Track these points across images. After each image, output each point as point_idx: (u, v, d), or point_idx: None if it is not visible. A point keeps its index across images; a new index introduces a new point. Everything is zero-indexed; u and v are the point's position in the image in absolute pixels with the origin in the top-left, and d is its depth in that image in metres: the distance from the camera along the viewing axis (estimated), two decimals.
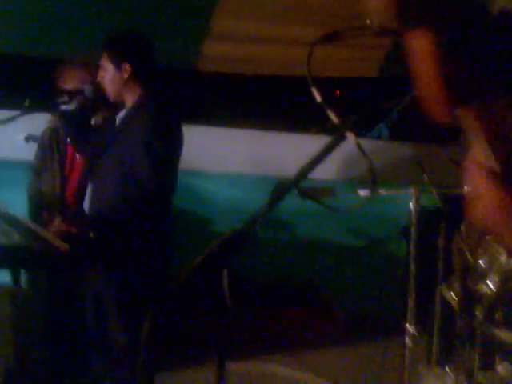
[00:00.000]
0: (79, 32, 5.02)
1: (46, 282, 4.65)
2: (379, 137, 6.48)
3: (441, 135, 6.24)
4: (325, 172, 1.71)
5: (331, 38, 1.56)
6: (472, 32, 1.34)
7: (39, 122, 4.68)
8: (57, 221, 3.33)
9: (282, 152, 5.69)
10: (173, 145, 3.48)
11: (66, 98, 4.22)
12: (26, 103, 3.73)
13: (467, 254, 3.00)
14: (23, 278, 4.60)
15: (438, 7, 1.34)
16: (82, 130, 3.78)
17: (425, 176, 4.22)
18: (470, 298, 3.10)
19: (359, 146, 1.48)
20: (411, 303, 4.09)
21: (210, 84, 7.65)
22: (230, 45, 5.19)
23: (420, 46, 1.37)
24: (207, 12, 4.77)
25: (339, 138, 1.51)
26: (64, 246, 3.15)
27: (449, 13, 1.34)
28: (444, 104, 1.37)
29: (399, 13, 1.34)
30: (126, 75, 3.51)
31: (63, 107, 3.77)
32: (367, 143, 5.91)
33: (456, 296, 3.28)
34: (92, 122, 4.53)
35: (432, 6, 1.33)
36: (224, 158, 5.68)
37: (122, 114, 3.61)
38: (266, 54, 5.31)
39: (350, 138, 1.49)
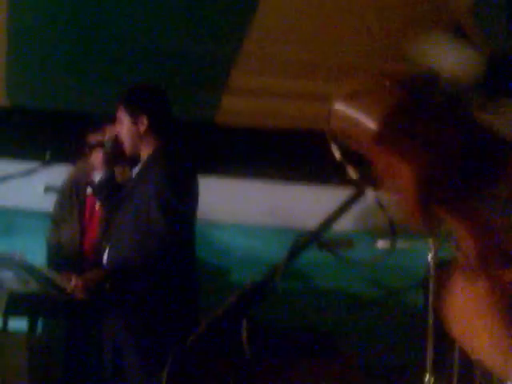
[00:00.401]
0: (99, 85, 5.10)
1: (62, 329, 4.65)
2: None
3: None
4: (343, 223, 1.72)
5: (352, 96, 1.57)
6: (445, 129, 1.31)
7: (59, 173, 4.74)
8: (74, 277, 3.32)
9: (299, 203, 5.70)
10: (188, 197, 3.47)
11: (87, 150, 4.30)
12: (47, 155, 3.78)
13: None
14: (40, 325, 4.61)
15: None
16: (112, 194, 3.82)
17: (443, 228, 4.21)
18: None
19: (378, 201, 1.49)
20: (430, 354, 4.05)
21: (228, 137, 7.71)
22: (249, 98, 5.24)
23: (396, 176, 1.33)
24: (225, 66, 4.83)
25: (358, 194, 1.52)
26: (81, 295, 3.16)
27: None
28: (416, 205, 1.33)
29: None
30: (142, 128, 3.52)
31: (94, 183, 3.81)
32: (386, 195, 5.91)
33: None
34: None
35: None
36: (242, 209, 5.70)
37: (138, 167, 3.62)
38: (284, 108, 5.36)
39: (369, 192, 1.50)
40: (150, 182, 3.45)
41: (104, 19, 4.37)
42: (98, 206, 4.62)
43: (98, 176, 3.80)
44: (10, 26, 4.32)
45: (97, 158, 4.52)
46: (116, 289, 3.41)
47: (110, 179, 3.80)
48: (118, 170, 4.63)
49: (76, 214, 4.63)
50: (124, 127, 3.56)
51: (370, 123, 1.27)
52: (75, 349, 4.51)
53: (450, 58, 1.35)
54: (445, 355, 4.25)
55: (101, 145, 4.04)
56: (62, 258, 4.58)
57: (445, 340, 4.15)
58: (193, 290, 3.52)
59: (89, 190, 4.66)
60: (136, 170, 3.64)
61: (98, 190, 3.83)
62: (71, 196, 4.67)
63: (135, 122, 3.53)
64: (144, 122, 3.52)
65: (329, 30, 4.36)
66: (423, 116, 1.25)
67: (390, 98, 1.28)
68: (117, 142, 3.71)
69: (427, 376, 4.00)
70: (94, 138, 4.52)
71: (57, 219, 4.72)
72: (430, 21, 3.67)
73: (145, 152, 3.58)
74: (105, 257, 3.60)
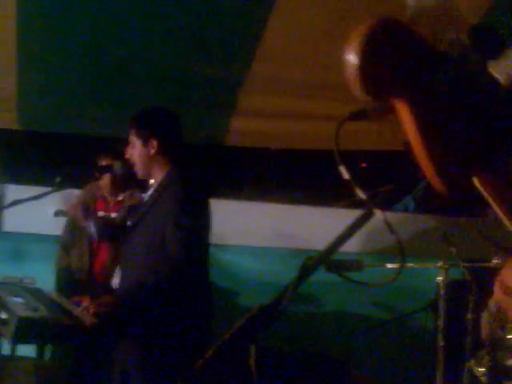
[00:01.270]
0: (109, 110, 5.13)
1: (70, 355, 4.64)
2: (406, 209, 6.47)
3: (468, 208, 6.23)
4: (351, 244, 1.72)
5: (358, 116, 1.58)
6: (462, 95, 1.36)
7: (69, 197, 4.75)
8: (85, 302, 3.32)
9: (308, 225, 5.69)
10: (201, 220, 3.47)
11: (97, 174, 4.32)
12: (57, 180, 3.79)
13: (496, 328, 2.96)
14: (48, 350, 4.60)
15: (407, 79, 1.37)
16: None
17: (452, 249, 4.20)
18: (499, 372, 3.05)
19: (387, 222, 1.49)
20: (440, 377, 4.02)
21: (236, 159, 7.72)
22: (257, 120, 5.25)
23: (400, 119, 1.41)
24: (234, 88, 4.85)
25: (367, 215, 1.52)
26: (91, 321, 3.15)
27: (424, 81, 1.37)
28: (437, 175, 1.37)
29: (367, 87, 1.39)
30: (153, 151, 3.52)
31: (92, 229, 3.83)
32: (394, 216, 5.90)
33: (485, 370, 3.22)
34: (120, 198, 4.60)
35: (400, 79, 1.37)
36: (251, 231, 5.70)
37: (150, 191, 3.62)
38: (292, 129, 5.36)
39: (378, 214, 1.50)
40: (163, 205, 3.44)
41: (114, 44, 4.40)
42: None
43: (92, 227, 3.81)
44: (20, 50, 4.36)
45: (105, 181, 4.56)
46: (127, 314, 3.39)
47: (100, 227, 3.82)
48: (126, 194, 4.66)
49: (85, 237, 4.63)
50: (135, 150, 3.56)
51: (352, 56, 1.40)
52: (83, 374, 4.50)
53: None
54: (455, 377, 4.22)
55: (110, 169, 4.06)
56: (72, 282, 4.58)
57: (455, 362, 4.12)
58: (205, 314, 3.50)
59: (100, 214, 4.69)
60: (149, 193, 3.64)
61: (99, 238, 3.85)
62: None
63: (146, 145, 3.54)
64: (154, 145, 3.52)
65: (336, 51, 4.37)
66: (399, 47, 1.34)
67: (364, 28, 1.40)
68: (127, 165, 3.71)
69: None
70: (103, 162, 4.55)
71: (66, 244, 4.73)
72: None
73: (156, 175, 3.58)
74: (116, 281, 3.59)
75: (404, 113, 1.39)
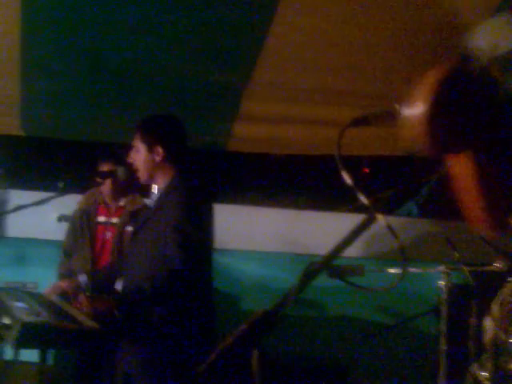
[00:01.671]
0: (112, 116, 5.14)
1: (73, 359, 4.64)
2: (409, 214, 6.48)
3: None
4: (353, 249, 1.72)
5: (361, 122, 1.59)
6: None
7: (72, 203, 4.77)
8: (82, 298, 3.32)
9: (311, 230, 5.70)
10: (204, 225, 3.47)
11: (99, 179, 4.33)
12: (60, 185, 3.80)
13: (499, 332, 2.95)
14: (51, 354, 4.61)
15: (476, 131, 1.28)
16: None
17: (455, 253, 4.21)
18: (502, 377, 3.04)
19: (390, 227, 1.49)
20: (443, 382, 4.02)
21: (240, 164, 7.74)
22: (260, 126, 5.26)
23: (458, 171, 1.33)
24: (237, 94, 4.86)
25: (369, 220, 1.52)
26: (94, 325, 3.15)
27: (487, 132, 1.28)
28: (493, 222, 1.34)
29: (432, 142, 1.30)
30: (158, 158, 3.53)
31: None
32: (397, 221, 5.91)
33: (488, 375, 3.22)
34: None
35: (469, 132, 1.28)
36: (254, 236, 5.70)
37: (154, 197, 3.63)
38: (295, 135, 5.37)
39: (380, 219, 1.50)
40: (166, 211, 3.44)
41: (118, 51, 4.41)
42: (109, 235, 4.63)
43: (82, 278, 3.81)
44: (24, 56, 4.37)
45: (107, 187, 4.56)
46: (127, 317, 3.40)
47: (95, 278, 3.83)
48: (128, 199, 4.66)
49: (87, 243, 4.64)
50: (140, 156, 3.56)
51: (419, 106, 1.28)
52: (86, 379, 4.50)
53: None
54: (458, 382, 4.21)
55: (113, 174, 4.07)
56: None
57: (458, 366, 4.12)
58: (207, 319, 3.51)
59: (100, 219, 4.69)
60: (152, 199, 3.64)
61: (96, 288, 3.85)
62: (82, 226, 4.68)
63: (151, 152, 3.54)
64: (160, 152, 3.53)
65: (339, 57, 4.38)
66: (469, 98, 1.25)
67: (433, 79, 1.28)
68: (130, 170, 3.72)
69: None
70: (104, 168, 4.56)
71: (68, 249, 4.73)
72: (439, 46, 3.69)
73: (160, 181, 3.58)
74: (119, 286, 3.60)
75: (464, 165, 1.31)
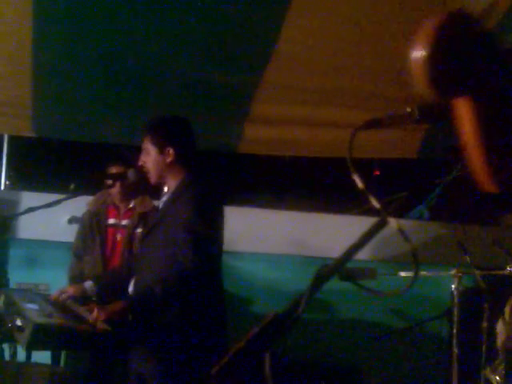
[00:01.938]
0: (122, 117, 5.15)
1: (85, 361, 4.64)
2: (420, 217, 6.46)
3: (482, 216, 6.21)
4: (365, 252, 1.72)
5: (372, 125, 1.58)
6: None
7: (83, 205, 4.78)
8: (96, 309, 3.31)
9: (321, 233, 5.69)
10: (215, 226, 3.47)
11: (109, 182, 4.33)
12: (71, 187, 3.81)
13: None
14: (63, 356, 4.61)
15: (475, 74, 1.36)
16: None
17: (467, 257, 4.19)
18: None
19: (401, 230, 1.49)
20: None
21: (250, 166, 7.73)
22: (271, 127, 5.26)
23: (460, 116, 1.39)
24: (247, 95, 4.86)
25: (381, 224, 1.52)
26: (106, 327, 3.15)
27: (485, 78, 1.36)
28: (490, 173, 1.37)
29: (432, 85, 1.37)
30: (169, 159, 3.53)
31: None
32: (408, 224, 5.89)
33: (501, 379, 3.20)
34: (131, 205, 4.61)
35: (468, 74, 1.36)
36: (265, 239, 5.70)
37: (164, 198, 3.63)
38: (305, 137, 5.37)
39: (392, 222, 1.50)
40: (177, 212, 3.44)
41: (128, 53, 4.42)
42: (119, 236, 4.64)
43: (88, 285, 3.81)
44: (36, 58, 4.39)
45: (116, 189, 4.56)
46: (138, 319, 3.40)
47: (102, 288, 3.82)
48: (137, 201, 4.66)
49: (98, 245, 4.63)
50: (150, 158, 3.56)
51: (420, 50, 1.36)
52: (98, 381, 4.50)
53: None
54: None
55: (124, 176, 4.07)
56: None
57: (470, 370, 4.10)
58: (219, 321, 3.50)
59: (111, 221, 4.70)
60: (163, 201, 3.64)
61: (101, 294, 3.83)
62: (92, 228, 4.68)
63: (162, 153, 3.54)
64: (171, 153, 3.53)
65: (349, 59, 4.38)
66: (468, 41, 1.32)
67: (434, 22, 1.37)
68: (140, 172, 3.72)
69: None
70: (113, 170, 4.56)
71: (78, 251, 4.73)
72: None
73: (170, 183, 3.58)
74: (130, 288, 3.59)
75: (465, 110, 1.38)
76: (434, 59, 1.36)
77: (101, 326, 3.16)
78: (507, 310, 3.14)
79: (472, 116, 1.38)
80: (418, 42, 1.38)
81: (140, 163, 3.62)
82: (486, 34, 1.40)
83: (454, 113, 1.43)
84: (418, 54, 1.37)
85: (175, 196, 3.52)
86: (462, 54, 1.35)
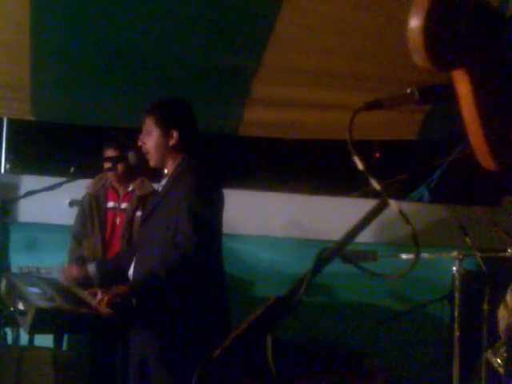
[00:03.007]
0: (122, 100, 5.13)
1: (88, 344, 4.66)
2: (420, 199, 6.46)
3: (482, 197, 6.20)
4: (366, 235, 1.71)
5: (373, 106, 1.58)
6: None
7: (83, 188, 4.78)
8: (99, 292, 3.31)
9: (323, 215, 5.69)
10: (215, 207, 3.46)
11: (110, 165, 4.32)
12: (71, 170, 3.81)
13: None
14: (65, 340, 4.63)
15: (472, 44, 1.35)
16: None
17: (467, 239, 4.19)
18: None
19: (402, 213, 1.48)
20: (456, 369, 4.01)
21: (251, 149, 7.73)
22: (271, 110, 5.25)
23: (459, 90, 1.38)
24: (247, 78, 4.85)
25: (381, 206, 1.51)
26: (107, 311, 3.16)
27: (483, 52, 1.35)
28: (490, 149, 1.36)
29: (429, 54, 1.36)
30: (172, 142, 3.50)
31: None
32: (409, 206, 5.89)
33: (502, 362, 3.21)
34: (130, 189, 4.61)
35: (465, 44, 1.35)
36: (266, 221, 5.70)
37: (164, 181, 3.62)
38: (306, 119, 5.36)
39: (393, 205, 1.49)
40: (177, 193, 3.42)
41: (128, 34, 4.40)
42: (118, 220, 4.64)
43: (91, 268, 3.80)
44: (34, 40, 4.37)
45: (117, 171, 4.55)
46: (142, 303, 3.40)
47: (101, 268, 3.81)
48: (136, 184, 4.66)
49: (97, 228, 4.64)
50: (152, 139, 3.53)
51: (416, 20, 1.35)
52: (101, 364, 4.52)
53: None
54: (471, 368, 4.21)
55: (125, 159, 4.05)
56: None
57: (471, 353, 4.11)
58: (221, 302, 3.51)
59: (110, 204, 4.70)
60: (162, 183, 3.63)
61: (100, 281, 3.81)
62: (91, 211, 4.68)
63: (165, 135, 3.52)
64: (175, 136, 3.51)
65: (349, 40, 4.36)
66: (465, 10, 1.31)
67: None
68: (140, 154, 3.69)
69: None
70: (110, 153, 4.55)
71: (77, 235, 4.73)
72: None
73: (170, 166, 3.56)
74: (131, 270, 3.59)
75: (463, 82, 1.36)
76: (430, 28, 1.35)
77: (104, 309, 3.16)
78: (509, 295, 3.13)
79: (471, 89, 1.37)
80: (414, 11, 1.37)
81: (139, 143, 3.59)
82: (485, 3, 1.38)
83: (453, 86, 1.42)
84: (415, 22, 1.36)
85: (175, 179, 3.50)
86: (460, 24, 1.34)
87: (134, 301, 3.40)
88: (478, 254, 4.10)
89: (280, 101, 5.14)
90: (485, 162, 1.41)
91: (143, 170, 4.25)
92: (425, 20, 1.34)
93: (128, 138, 4.31)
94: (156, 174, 3.97)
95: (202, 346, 3.24)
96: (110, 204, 4.70)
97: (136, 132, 3.66)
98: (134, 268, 3.56)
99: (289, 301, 1.53)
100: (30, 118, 5.45)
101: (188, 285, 3.34)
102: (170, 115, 3.54)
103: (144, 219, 3.66)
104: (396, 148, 7.35)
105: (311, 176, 7.48)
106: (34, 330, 3.12)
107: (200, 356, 3.19)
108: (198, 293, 3.37)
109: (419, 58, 1.39)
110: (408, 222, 1.50)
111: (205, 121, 4.55)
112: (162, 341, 3.34)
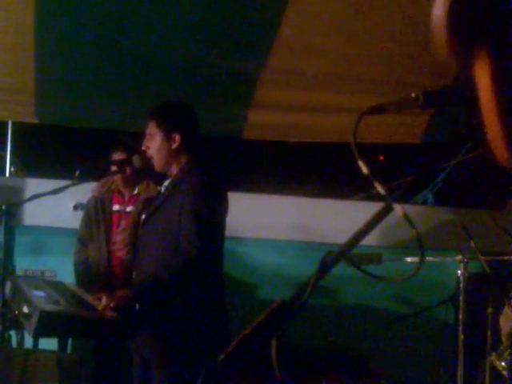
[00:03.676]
0: (126, 103, 5.14)
1: (93, 348, 4.66)
2: (425, 202, 6.46)
3: (486, 200, 6.20)
4: (370, 238, 1.72)
5: (377, 110, 1.57)
6: None
7: (88, 191, 4.78)
8: (104, 296, 3.31)
9: (327, 219, 5.69)
10: (218, 211, 3.46)
11: (114, 168, 4.33)
12: (77, 173, 3.81)
13: None
14: (70, 343, 4.63)
15: (495, 28, 1.33)
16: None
17: (472, 242, 4.18)
18: None
19: (406, 216, 1.48)
20: (460, 372, 4.01)
21: (255, 152, 7.73)
22: (275, 113, 5.26)
23: (480, 83, 1.36)
24: (251, 81, 4.85)
25: (386, 210, 1.51)
26: (112, 314, 3.16)
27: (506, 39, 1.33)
28: (508, 144, 1.34)
29: (453, 37, 1.35)
30: (174, 145, 3.51)
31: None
32: (413, 209, 5.89)
33: (506, 365, 3.21)
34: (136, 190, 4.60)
35: (488, 28, 1.33)
36: (269, 224, 5.70)
37: (167, 182, 3.62)
38: (309, 122, 5.36)
39: (397, 209, 1.49)
40: (179, 196, 3.42)
41: (131, 38, 4.41)
42: (124, 224, 4.64)
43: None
44: (38, 44, 4.38)
45: (125, 173, 4.55)
46: (145, 307, 3.40)
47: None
48: (141, 187, 4.66)
49: (102, 231, 4.64)
50: (155, 143, 3.53)
51: (438, 10, 1.32)
52: (105, 367, 4.52)
53: None
54: (476, 371, 4.20)
55: (129, 163, 4.05)
56: (91, 276, 4.60)
57: (476, 356, 4.10)
58: (222, 306, 3.51)
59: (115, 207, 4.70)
60: (165, 185, 3.63)
61: None
62: (97, 214, 4.69)
63: (168, 139, 3.52)
64: (177, 139, 3.51)
65: (353, 44, 4.37)
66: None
67: None
68: (145, 158, 3.69)
69: None
70: (119, 156, 4.56)
71: (83, 237, 4.74)
72: None
73: (174, 168, 3.56)
74: (134, 273, 3.60)
75: (482, 67, 1.35)
76: (452, 13, 1.33)
77: (109, 313, 3.17)
78: None
79: (491, 76, 1.35)
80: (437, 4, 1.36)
81: (143, 148, 3.59)
82: None
83: (472, 74, 1.40)
84: (437, 7, 1.35)
85: (177, 181, 3.50)
86: (481, 7, 1.33)
87: (136, 305, 3.41)
88: (483, 257, 4.10)
89: (284, 104, 5.14)
90: (502, 157, 1.39)
91: (148, 173, 4.25)
92: (448, 3, 1.33)
93: (136, 141, 4.32)
94: (161, 177, 3.98)
95: (203, 348, 3.25)
96: (116, 207, 4.70)
97: (143, 136, 3.66)
98: (135, 270, 3.57)
99: (293, 304, 1.53)
100: (34, 121, 5.45)
101: (189, 289, 3.35)
102: (172, 118, 3.54)
103: (145, 221, 3.65)
104: (400, 151, 7.35)
105: (315, 179, 7.48)
106: (38, 333, 3.12)
107: (202, 359, 3.20)
108: (200, 296, 3.37)
109: (440, 43, 1.37)
110: (412, 225, 1.50)
111: (209, 124, 4.55)
112: (164, 344, 3.35)
